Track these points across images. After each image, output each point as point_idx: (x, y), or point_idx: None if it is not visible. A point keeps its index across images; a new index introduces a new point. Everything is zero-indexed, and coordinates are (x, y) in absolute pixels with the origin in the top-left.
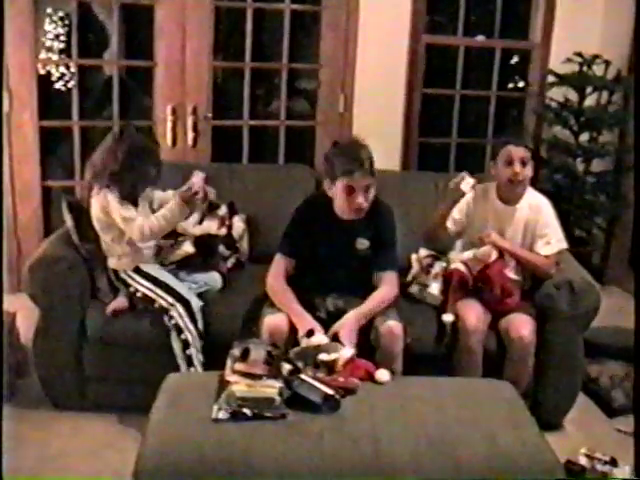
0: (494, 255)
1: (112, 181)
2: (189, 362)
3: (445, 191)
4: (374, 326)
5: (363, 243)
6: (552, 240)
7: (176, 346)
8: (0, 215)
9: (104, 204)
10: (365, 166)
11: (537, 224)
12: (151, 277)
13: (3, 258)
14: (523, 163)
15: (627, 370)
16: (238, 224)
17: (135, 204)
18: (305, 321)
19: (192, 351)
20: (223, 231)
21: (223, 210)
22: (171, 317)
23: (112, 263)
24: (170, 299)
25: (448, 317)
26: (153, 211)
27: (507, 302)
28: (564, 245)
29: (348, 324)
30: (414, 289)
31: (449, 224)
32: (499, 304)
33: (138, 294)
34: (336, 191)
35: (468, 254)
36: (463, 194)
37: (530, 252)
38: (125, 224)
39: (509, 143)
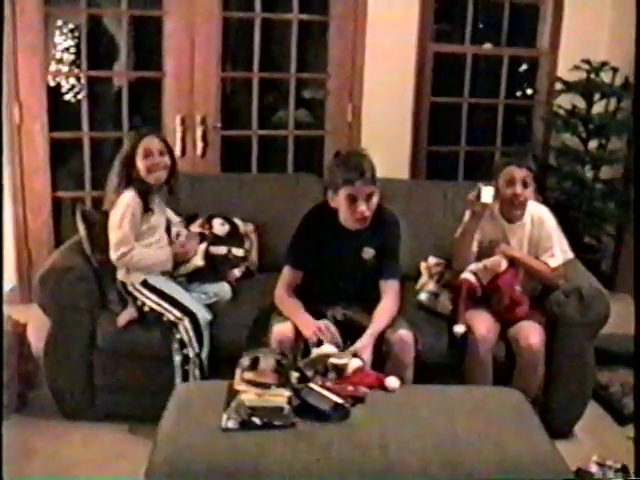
0: (504, 264)
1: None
2: (184, 377)
3: (455, 203)
4: (385, 338)
5: (369, 252)
6: (556, 252)
7: (177, 358)
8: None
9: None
10: (366, 175)
11: (540, 237)
12: (159, 291)
13: (3, 264)
14: (524, 184)
15: None
16: (218, 226)
17: (147, 209)
18: (309, 324)
19: (190, 367)
20: (206, 232)
21: (200, 220)
22: (178, 331)
23: (120, 275)
24: (178, 313)
25: (460, 328)
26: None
27: (516, 312)
28: (570, 255)
29: (367, 345)
30: (423, 297)
31: (474, 247)
32: (508, 313)
33: (146, 308)
34: (339, 201)
35: (478, 265)
36: (484, 206)
37: (538, 261)
38: (113, 238)
39: (511, 163)
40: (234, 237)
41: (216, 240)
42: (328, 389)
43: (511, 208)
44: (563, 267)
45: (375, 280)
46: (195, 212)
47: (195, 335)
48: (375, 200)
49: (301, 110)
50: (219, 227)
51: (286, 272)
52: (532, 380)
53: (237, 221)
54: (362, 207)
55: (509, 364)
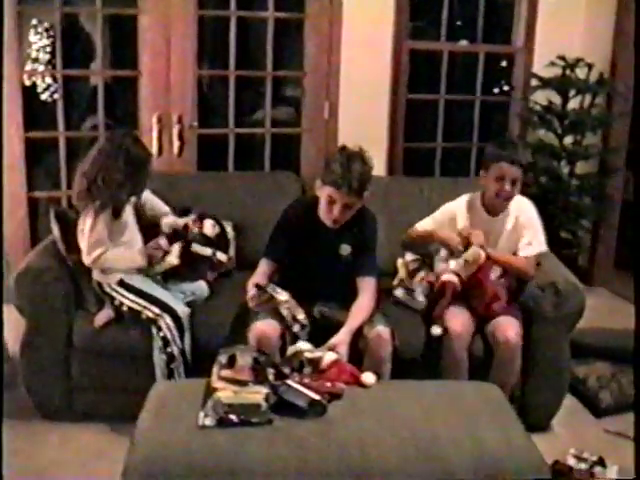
0: (483, 255)
1: (105, 191)
2: (170, 375)
3: (431, 199)
4: (362, 335)
5: (346, 249)
6: (533, 241)
7: (160, 358)
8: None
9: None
10: (353, 185)
11: (519, 229)
12: (136, 289)
13: (3, 267)
14: (513, 182)
15: (614, 371)
16: (209, 227)
17: (118, 214)
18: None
19: (175, 365)
20: (195, 230)
21: (193, 216)
22: (159, 328)
23: (96, 275)
24: (157, 310)
25: (437, 330)
26: (138, 214)
27: (492, 307)
28: (544, 248)
29: (343, 342)
30: (399, 293)
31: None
32: (486, 309)
33: (124, 307)
34: (321, 194)
35: (459, 261)
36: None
37: (509, 255)
38: (86, 243)
39: (504, 160)
40: (221, 241)
41: (203, 240)
42: (305, 385)
43: (494, 202)
44: (534, 258)
45: (352, 277)
46: (188, 206)
47: (177, 331)
48: (353, 210)
49: (282, 107)
50: (210, 228)
51: (261, 263)
52: (509, 375)
53: (227, 226)
54: (335, 212)
55: (487, 360)
